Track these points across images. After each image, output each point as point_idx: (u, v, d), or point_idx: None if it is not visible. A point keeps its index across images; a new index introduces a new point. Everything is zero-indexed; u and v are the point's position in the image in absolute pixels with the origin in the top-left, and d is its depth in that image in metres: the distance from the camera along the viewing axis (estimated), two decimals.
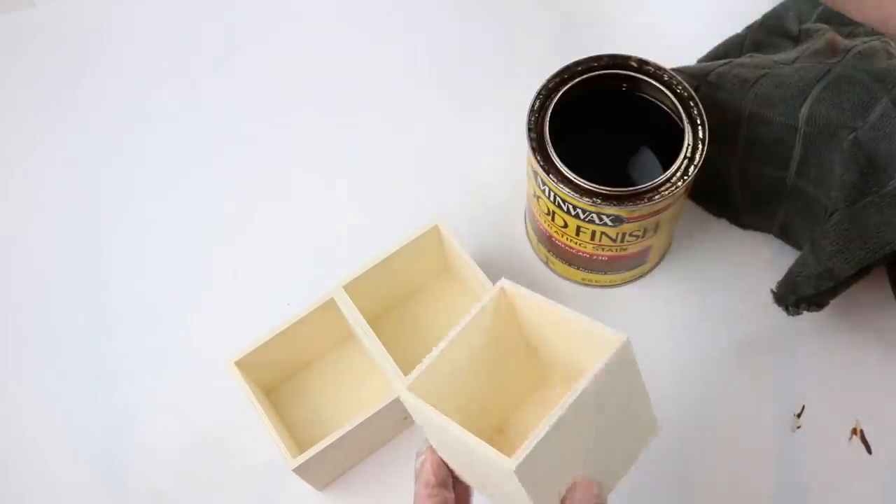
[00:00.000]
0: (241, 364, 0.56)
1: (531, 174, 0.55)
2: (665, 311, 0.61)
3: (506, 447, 0.39)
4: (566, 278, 0.63)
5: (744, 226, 0.64)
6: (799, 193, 0.58)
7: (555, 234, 0.58)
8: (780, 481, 0.55)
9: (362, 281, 0.57)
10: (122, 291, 0.65)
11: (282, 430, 0.56)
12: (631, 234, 0.55)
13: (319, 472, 0.56)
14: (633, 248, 0.57)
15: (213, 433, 0.60)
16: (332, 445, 0.53)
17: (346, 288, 0.56)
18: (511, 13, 0.74)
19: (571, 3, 0.73)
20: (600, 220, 0.53)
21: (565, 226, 0.56)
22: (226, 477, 0.59)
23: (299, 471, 0.53)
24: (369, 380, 0.60)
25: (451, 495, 0.43)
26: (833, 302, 0.55)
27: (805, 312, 0.56)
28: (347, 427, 0.53)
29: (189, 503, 0.58)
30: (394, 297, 0.62)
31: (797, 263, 0.55)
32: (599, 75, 0.55)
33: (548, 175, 0.52)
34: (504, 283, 0.44)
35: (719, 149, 0.56)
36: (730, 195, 0.62)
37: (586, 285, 0.63)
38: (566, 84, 0.54)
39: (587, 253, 0.58)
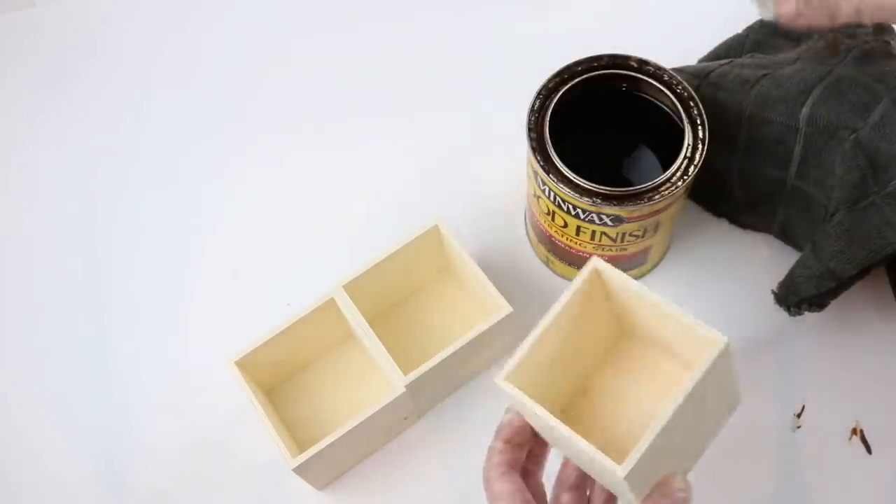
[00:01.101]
0: (241, 364, 0.56)
1: (531, 174, 0.55)
2: None
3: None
4: (566, 278, 0.63)
5: (743, 226, 0.64)
6: (799, 194, 0.58)
7: (555, 234, 0.58)
8: (780, 481, 0.55)
9: (362, 281, 0.57)
10: (121, 292, 0.65)
11: (282, 429, 0.56)
12: (631, 234, 0.55)
13: (319, 471, 0.56)
14: (633, 248, 0.57)
15: (213, 433, 0.60)
16: (331, 445, 0.53)
17: (345, 288, 0.56)
18: (511, 13, 0.74)
19: (572, 2, 0.73)
20: (600, 219, 0.53)
21: (565, 226, 0.56)
22: (226, 477, 0.59)
23: (299, 470, 0.53)
24: (369, 380, 0.60)
25: (521, 455, 0.45)
26: (833, 302, 0.55)
27: (806, 313, 0.56)
28: (347, 427, 0.53)
29: (189, 503, 0.58)
30: (394, 297, 0.62)
31: (798, 264, 0.55)
32: (599, 75, 0.55)
33: (548, 175, 0.52)
34: (596, 262, 0.44)
35: (719, 149, 0.56)
36: (730, 195, 0.62)
37: None
38: (566, 84, 0.54)
39: (587, 253, 0.58)
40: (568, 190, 0.52)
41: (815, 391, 0.58)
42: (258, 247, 0.66)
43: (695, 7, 0.71)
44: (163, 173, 0.69)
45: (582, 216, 0.54)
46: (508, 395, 0.43)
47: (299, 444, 0.57)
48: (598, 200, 0.52)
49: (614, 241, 0.56)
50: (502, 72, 0.71)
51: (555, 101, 0.54)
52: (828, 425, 0.57)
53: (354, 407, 0.56)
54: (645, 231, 0.55)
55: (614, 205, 0.52)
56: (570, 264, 0.61)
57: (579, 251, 0.58)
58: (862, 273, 0.54)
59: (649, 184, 0.52)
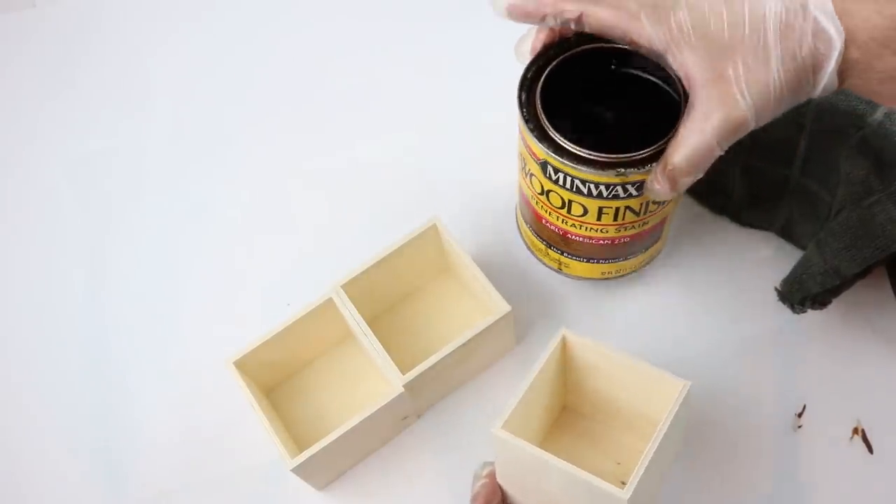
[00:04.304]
0: (239, 364, 0.56)
1: (535, 170, 0.51)
2: (665, 310, 0.61)
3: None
4: (583, 278, 0.60)
5: (744, 223, 0.63)
6: (803, 191, 0.57)
7: (571, 230, 0.54)
8: (780, 481, 0.55)
9: (360, 280, 0.57)
10: (121, 292, 0.65)
11: (281, 429, 0.56)
12: (654, 202, 0.51)
13: (318, 471, 0.56)
14: (653, 220, 0.53)
15: (213, 433, 0.60)
16: (330, 445, 0.53)
17: (344, 288, 0.56)
18: None
19: None
20: (625, 191, 0.49)
21: (584, 213, 0.52)
22: (226, 477, 0.59)
23: (298, 470, 0.53)
24: (368, 380, 0.60)
25: None
26: (834, 301, 0.55)
27: (808, 311, 0.55)
28: (346, 427, 0.53)
29: (189, 503, 0.58)
30: (393, 296, 0.61)
31: (802, 261, 0.55)
32: (585, 50, 0.51)
33: (562, 160, 0.48)
34: (565, 331, 0.51)
35: None
36: (731, 192, 0.61)
37: (605, 278, 0.59)
38: (547, 67, 0.51)
39: (608, 239, 0.54)
40: (588, 170, 0.48)
41: (815, 391, 0.58)
42: (258, 247, 0.66)
43: None
44: (162, 174, 0.69)
45: (605, 193, 0.49)
46: (503, 441, 0.48)
47: (299, 444, 0.57)
48: (622, 170, 0.47)
49: (638, 214, 0.52)
50: (502, 70, 0.71)
51: (544, 75, 0.50)
52: (829, 425, 0.57)
53: (354, 407, 0.56)
54: None
55: (640, 169, 0.47)
56: (588, 260, 0.57)
57: (600, 240, 0.54)
58: (864, 271, 0.53)
59: (663, 140, 0.48)
